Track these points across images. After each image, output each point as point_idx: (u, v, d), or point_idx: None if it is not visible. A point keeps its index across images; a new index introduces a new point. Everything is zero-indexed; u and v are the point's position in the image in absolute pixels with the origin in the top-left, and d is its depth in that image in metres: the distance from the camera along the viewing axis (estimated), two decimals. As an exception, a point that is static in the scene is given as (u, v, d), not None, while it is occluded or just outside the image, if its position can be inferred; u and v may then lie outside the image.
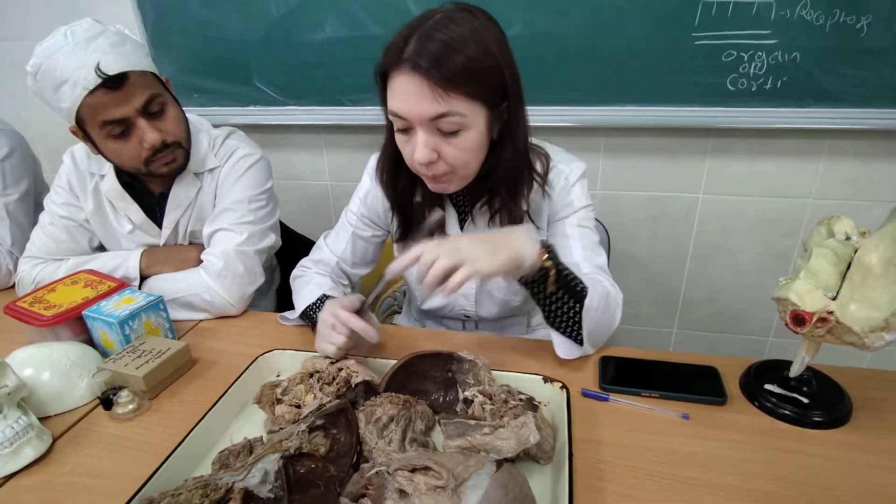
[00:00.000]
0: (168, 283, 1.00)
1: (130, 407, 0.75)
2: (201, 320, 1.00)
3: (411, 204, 0.91)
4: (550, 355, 0.82)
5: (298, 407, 0.70)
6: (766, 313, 1.57)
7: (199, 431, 0.67)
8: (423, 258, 0.64)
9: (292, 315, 0.93)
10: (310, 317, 0.89)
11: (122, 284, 0.95)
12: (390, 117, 0.76)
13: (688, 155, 1.42)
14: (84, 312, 0.87)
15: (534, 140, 0.86)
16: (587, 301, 0.74)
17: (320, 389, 0.71)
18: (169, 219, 1.06)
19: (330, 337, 0.73)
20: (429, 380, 0.73)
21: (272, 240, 1.09)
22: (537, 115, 1.38)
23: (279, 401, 0.71)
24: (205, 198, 1.06)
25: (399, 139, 0.77)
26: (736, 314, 1.59)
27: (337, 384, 0.70)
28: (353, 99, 1.51)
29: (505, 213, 0.85)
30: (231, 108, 1.60)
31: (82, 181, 1.06)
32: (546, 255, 0.71)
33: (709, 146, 1.40)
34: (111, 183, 1.03)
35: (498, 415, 0.61)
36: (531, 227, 0.77)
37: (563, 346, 0.80)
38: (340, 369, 0.73)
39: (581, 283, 0.76)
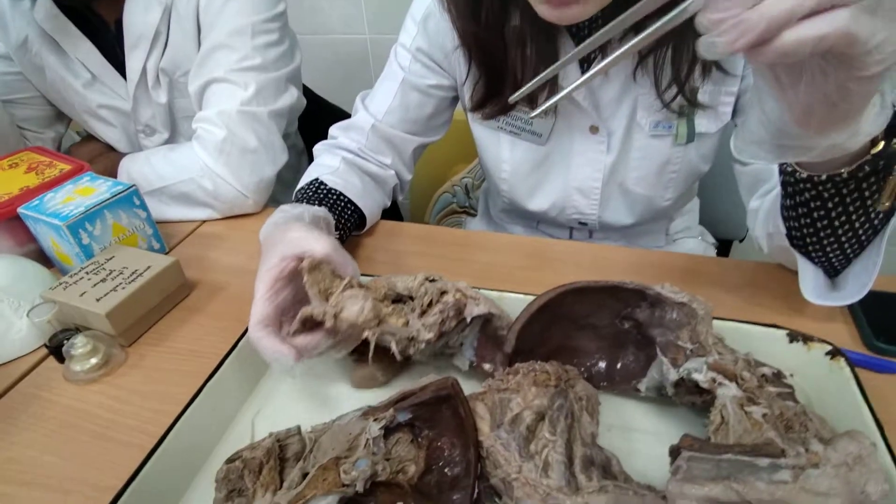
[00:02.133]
0: (149, 167, 0.69)
1: (93, 361, 0.48)
2: (203, 221, 0.70)
3: (502, 40, 0.53)
4: (719, 281, 0.53)
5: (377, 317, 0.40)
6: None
7: (199, 408, 0.39)
8: None
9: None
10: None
11: (80, 167, 0.64)
12: None
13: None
14: (19, 210, 0.57)
15: None
16: None
17: (419, 318, 0.40)
18: (132, 61, 0.71)
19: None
20: (585, 331, 0.41)
21: (293, 96, 0.74)
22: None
23: (349, 286, 0.40)
24: (182, 26, 0.70)
25: None
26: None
27: (442, 313, 0.40)
28: None
29: (670, 53, 0.48)
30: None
31: (1, 12, 0.70)
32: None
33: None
34: (46, 6, 0.67)
35: (782, 427, 0.30)
36: None
37: (816, 285, 0.45)
38: (444, 292, 0.42)
39: None
